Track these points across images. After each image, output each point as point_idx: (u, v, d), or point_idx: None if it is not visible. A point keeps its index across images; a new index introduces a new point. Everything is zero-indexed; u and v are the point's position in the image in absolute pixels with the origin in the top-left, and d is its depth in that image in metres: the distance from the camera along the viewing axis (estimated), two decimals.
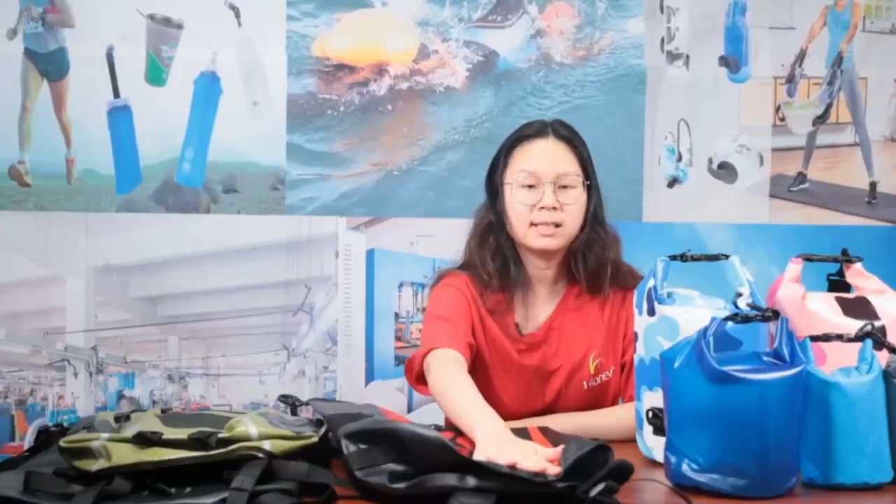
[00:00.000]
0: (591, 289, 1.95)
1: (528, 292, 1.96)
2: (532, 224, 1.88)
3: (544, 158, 1.90)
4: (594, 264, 1.93)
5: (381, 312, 2.84)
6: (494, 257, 1.93)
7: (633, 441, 1.67)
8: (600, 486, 1.28)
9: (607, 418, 1.88)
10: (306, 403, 1.65)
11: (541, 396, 1.95)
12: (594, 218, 1.94)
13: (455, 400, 1.65)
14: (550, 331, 1.95)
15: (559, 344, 1.95)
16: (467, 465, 1.30)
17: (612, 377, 1.96)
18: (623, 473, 1.33)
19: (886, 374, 1.48)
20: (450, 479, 1.28)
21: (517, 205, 1.90)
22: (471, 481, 1.27)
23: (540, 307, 1.97)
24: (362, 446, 1.36)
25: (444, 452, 1.30)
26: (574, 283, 1.96)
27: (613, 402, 1.97)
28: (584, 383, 1.94)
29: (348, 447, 1.35)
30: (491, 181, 1.98)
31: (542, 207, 1.87)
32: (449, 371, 1.74)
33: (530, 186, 1.89)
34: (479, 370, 1.89)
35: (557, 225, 1.88)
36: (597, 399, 1.95)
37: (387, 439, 1.35)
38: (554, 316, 1.96)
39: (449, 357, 1.78)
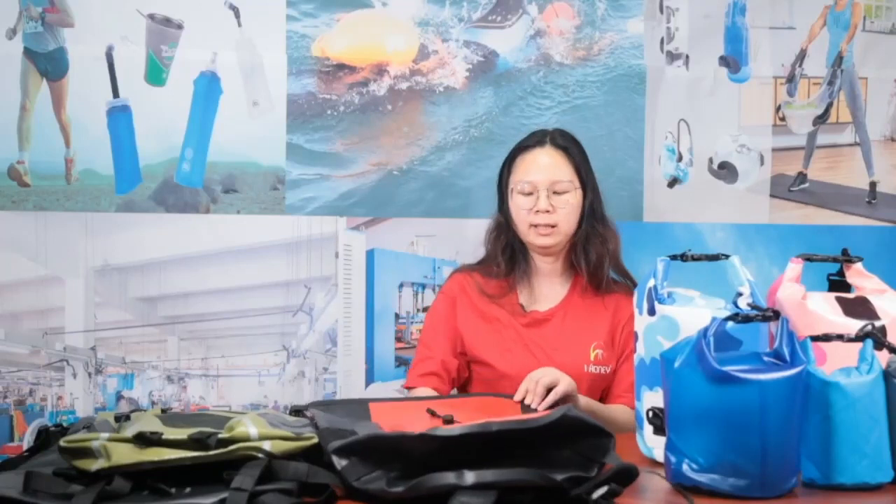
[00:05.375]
0: (592, 280, 2.17)
1: (535, 281, 2.20)
2: (532, 225, 2.13)
3: (540, 168, 2.14)
4: (594, 256, 2.15)
5: (382, 313, 2.83)
6: (504, 251, 2.20)
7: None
8: (603, 489, 1.28)
9: (611, 413, 2.07)
10: (306, 408, 1.66)
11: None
12: (591, 215, 2.16)
13: None
14: (556, 313, 2.17)
15: (563, 326, 2.16)
16: (451, 443, 1.32)
17: (609, 375, 2.14)
18: (627, 476, 1.32)
19: (886, 374, 1.48)
20: (448, 478, 1.28)
21: (519, 209, 2.15)
22: (469, 478, 1.28)
23: (546, 294, 2.19)
24: (353, 458, 1.38)
25: (426, 441, 1.33)
26: (579, 277, 2.18)
27: (605, 402, 2.14)
28: (585, 367, 2.12)
29: (339, 462, 1.37)
30: (500, 186, 2.22)
31: (537, 211, 2.11)
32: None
33: (529, 193, 2.12)
34: (479, 348, 2.15)
35: (553, 226, 2.12)
36: (597, 389, 2.14)
37: (372, 447, 1.37)
38: (562, 303, 2.18)
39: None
